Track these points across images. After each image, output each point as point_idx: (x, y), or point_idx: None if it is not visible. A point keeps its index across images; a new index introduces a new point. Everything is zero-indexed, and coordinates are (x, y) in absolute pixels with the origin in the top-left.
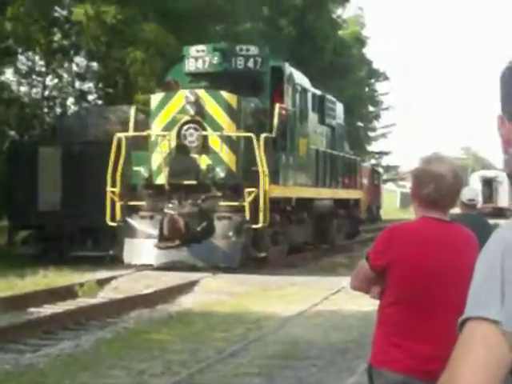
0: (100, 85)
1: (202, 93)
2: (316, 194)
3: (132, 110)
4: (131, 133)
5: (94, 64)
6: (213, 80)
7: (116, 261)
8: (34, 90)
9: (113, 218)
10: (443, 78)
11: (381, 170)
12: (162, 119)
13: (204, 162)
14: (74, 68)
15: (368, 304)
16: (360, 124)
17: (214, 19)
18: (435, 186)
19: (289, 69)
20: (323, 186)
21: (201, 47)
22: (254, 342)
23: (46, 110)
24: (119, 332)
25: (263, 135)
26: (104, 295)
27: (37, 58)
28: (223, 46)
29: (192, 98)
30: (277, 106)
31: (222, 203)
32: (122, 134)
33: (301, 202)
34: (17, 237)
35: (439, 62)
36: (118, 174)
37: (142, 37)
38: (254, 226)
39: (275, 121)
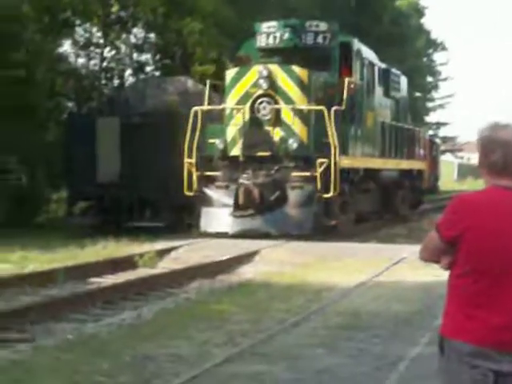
0: (157, 56)
1: (274, 67)
2: (382, 165)
3: (207, 84)
4: (207, 106)
5: (152, 35)
6: (284, 55)
7: (191, 230)
8: (92, 62)
9: (190, 188)
10: (504, 48)
11: (438, 140)
12: (236, 93)
13: (277, 134)
14: (132, 39)
15: (429, 274)
16: (418, 94)
17: None
18: (502, 152)
19: (357, 44)
20: (389, 157)
21: (272, 23)
22: (315, 312)
23: (103, 81)
24: (180, 303)
25: (333, 108)
26: (164, 266)
27: (94, 29)
28: (293, 22)
29: (265, 73)
30: (346, 80)
31: (295, 173)
32: (198, 108)
33: (368, 172)
34: (76, 208)
35: (500, 31)
36: (195, 145)
37: (199, 7)
38: (325, 196)
39: (344, 94)
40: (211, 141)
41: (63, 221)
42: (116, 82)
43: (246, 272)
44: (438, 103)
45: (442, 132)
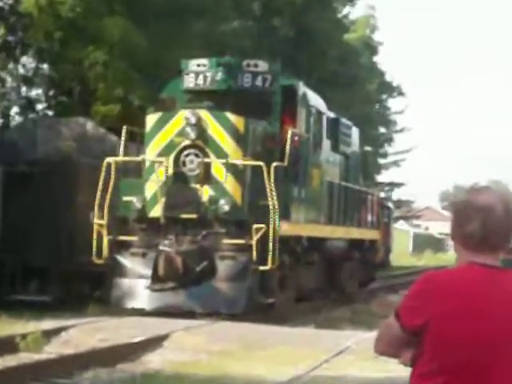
0: (51, 92)
1: (204, 114)
2: (329, 233)
3: (123, 130)
4: (122, 157)
5: (45, 66)
6: (215, 99)
7: (101, 304)
8: None
9: (99, 255)
10: (469, 95)
11: (391, 205)
12: (158, 143)
13: (206, 193)
14: (20, 70)
15: (380, 370)
16: (368, 148)
17: (194, 15)
18: (481, 221)
19: (302, 88)
20: (337, 223)
21: (202, 61)
22: None
23: None
24: None
25: (274, 164)
26: (51, 350)
27: None
28: (228, 60)
29: (193, 120)
30: (289, 131)
31: (226, 241)
32: (111, 159)
33: (312, 241)
34: None
35: (464, 74)
36: (106, 204)
37: (105, 34)
38: (262, 268)
39: (287, 148)
40: (126, 199)
41: None
42: None
43: (153, 360)
44: (392, 160)
45: (396, 194)
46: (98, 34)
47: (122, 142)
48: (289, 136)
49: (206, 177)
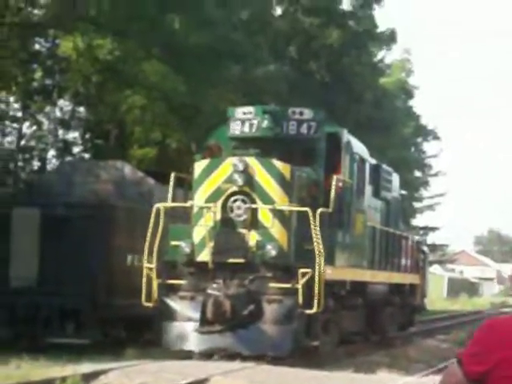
0: (87, 135)
1: (251, 161)
2: (371, 278)
3: (171, 177)
4: (171, 203)
5: (81, 109)
6: (261, 146)
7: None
8: (7, 139)
9: (149, 298)
10: (503, 136)
11: (426, 249)
12: (207, 189)
13: (253, 238)
14: (57, 113)
15: None
16: (404, 192)
17: (230, 59)
18: None
19: (346, 136)
20: (379, 268)
21: (248, 109)
22: None
23: (20, 163)
24: None
25: (319, 210)
26: None
27: (11, 99)
28: (273, 108)
29: (241, 167)
30: (334, 177)
31: (272, 284)
32: (160, 205)
33: (355, 285)
34: None
35: (502, 117)
36: (155, 248)
37: (142, 78)
38: (308, 312)
39: (332, 194)
40: (175, 243)
41: None
42: (36, 164)
43: None
44: (427, 203)
45: (431, 238)
46: (135, 78)
47: (171, 189)
48: (334, 182)
49: (253, 222)
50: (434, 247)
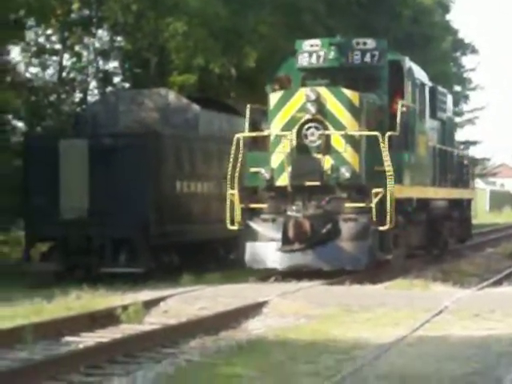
0: (127, 64)
1: (323, 90)
2: (434, 195)
3: (247, 108)
4: (250, 133)
5: (119, 39)
6: (328, 76)
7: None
8: (48, 72)
9: (233, 222)
10: None
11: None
12: (282, 118)
13: (327, 162)
14: (96, 44)
15: (481, 328)
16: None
17: None
18: None
19: (408, 63)
20: (439, 185)
21: (315, 41)
22: (350, 376)
23: (62, 95)
24: (181, 366)
25: (388, 133)
26: (153, 321)
27: (50, 31)
28: (339, 39)
29: (313, 96)
30: (399, 102)
31: (347, 204)
32: (240, 135)
33: (420, 202)
34: (35, 251)
35: None
36: (236, 175)
37: (183, 5)
38: (381, 228)
39: (398, 118)
40: (254, 170)
41: (20, 267)
42: (78, 96)
43: (255, 327)
44: (466, 118)
45: (471, 152)
46: (176, 5)
47: (247, 119)
48: (399, 107)
49: (327, 147)
50: (475, 161)
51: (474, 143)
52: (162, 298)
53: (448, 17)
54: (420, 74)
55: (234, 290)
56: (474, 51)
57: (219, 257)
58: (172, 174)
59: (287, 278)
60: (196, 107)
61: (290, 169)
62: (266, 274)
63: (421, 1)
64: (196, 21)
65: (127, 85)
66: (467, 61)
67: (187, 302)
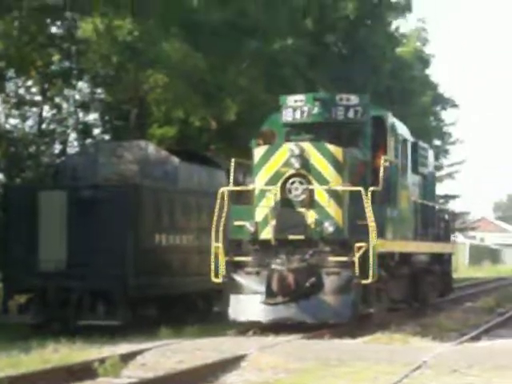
0: (107, 116)
1: (307, 146)
2: (416, 249)
3: (232, 162)
4: (235, 187)
5: (99, 91)
6: (312, 131)
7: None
8: (28, 123)
9: (217, 274)
10: None
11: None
12: (266, 173)
13: (311, 216)
14: (76, 96)
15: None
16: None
17: (248, 34)
18: None
19: (391, 119)
20: (421, 239)
21: (299, 97)
22: None
23: (42, 147)
24: None
25: (371, 189)
26: (130, 374)
27: (30, 83)
28: (322, 95)
29: (297, 151)
30: (382, 158)
31: (331, 258)
32: (225, 188)
33: (402, 256)
34: (13, 302)
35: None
36: (221, 228)
37: (163, 57)
38: (363, 282)
39: (380, 174)
40: (238, 223)
41: None
42: (57, 147)
43: (233, 381)
44: (446, 172)
45: (451, 206)
46: (156, 58)
47: (232, 173)
48: (382, 162)
49: (310, 202)
50: (454, 215)
51: (454, 197)
52: (140, 352)
53: (428, 71)
54: (402, 129)
55: (212, 343)
56: (453, 105)
57: (198, 310)
58: (151, 227)
59: (266, 331)
60: (175, 160)
61: (274, 222)
62: (244, 328)
63: (400, 55)
64: (176, 73)
65: (107, 137)
66: (447, 115)
67: (165, 355)
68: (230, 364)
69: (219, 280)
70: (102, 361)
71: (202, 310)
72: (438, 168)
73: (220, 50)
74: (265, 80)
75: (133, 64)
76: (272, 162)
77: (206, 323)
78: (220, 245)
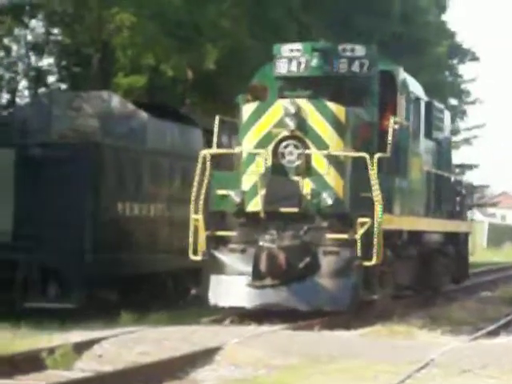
0: (64, 61)
1: (304, 103)
2: (427, 227)
3: (216, 121)
4: (218, 149)
5: (56, 31)
6: (310, 86)
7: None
8: None
9: (196, 251)
10: None
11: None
12: (256, 134)
13: (307, 186)
14: (29, 37)
15: None
16: None
17: None
18: None
19: (402, 74)
20: (433, 216)
21: (296, 46)
22: None
23: None
24: None
25: (377, 155)
26: (84, 366)
27: None
28: (322, 45)
29: (292, 110)
30: (391, 119)
31: (329, 236)
32: (207, 151)
33: (411, 235)
34: None
35: None
36: (202, 198)
37: None
38: (366, 264)
39: (389, 138)
40: (221, 192)
41: None
42: (5, 97)
43: (205, 378)
44: (463, 137)
45: (468, 178)
46: None
47: (215, 133)
48: (391, 124)
49: (307, 169)
50: (472, 188)
51: (471, 167)
52: (97, 340)
53: (444, 17)
54: (415, 86)
55: (182, 332)
56: (473, 58)
57: (169, 293)
58: (113, 194)
59: (246, 320)
60: (144, 115)
61: (263, 192)
62: (221, 316)
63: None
64: (146, 12)
65: (63, 86)
66: (465, 70)
67: (126, 345)
68: (202, 357)
69: (198, 258)
70: (51, 350)
71: (173, 292)
72: (454, 132)
73: None
74: (250, 22)
75: (95, 0)
76: (263, 122)
77: (177, 309)
78: (200, 217)
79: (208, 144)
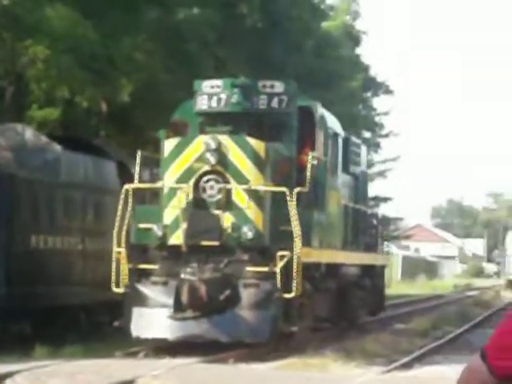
0: None
1: (224, 139)
2: (345, 259)
3: (137, 156)
4: (141, 184)
5: None
6: (230, 122)
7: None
8: None
9: (118, 284)
10: (463, 97)
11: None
12: (177, 169)
13: (228, 219)
14: None
15: None
16: None
17: (148, 2)
18: None
19: (320, 110)
20: (351, 249)
21: (216, 82)
22: None
23: None
24: None
25: (296, 190)
26: None
27: None
28: (243, 81)
29: (213, 145)
30: (309, 154)
31: (249, 268)
32: (129, 186)
33: (330, 268)
34: None
35: (456, 74)
36: (124, 231)
37: (45, 25)
38: (286, 296)
39: (308, 173)
40: (142, 226)
41: None
42: None
43: None
44: (378, 169)
45: (381, 211)
46: (37, 25)
47: (137, 168)
48: (309, 160)
49: (227, 203)
50: (386, 221)
51: (386, 200)
52: (9, 374)
53: (358, 50)
54: (333, 122)
55: (96, 366)
56: (387, 92)
57: (82, 326)
58: (27, 226)
59: (161, 353)
60: (57, 147)
61: (185, 226)
62: (134, 349)
63: (327, 30)
64: (60, 45)
65: None
66: (379, 103)
67: (39, 379)
68: None
69: (121, 290)
70: None
71: (86, 325)
72: (369, 165)
73: (113, 20)
74: (165, 56)
75: (9, 32)
76: (184, 157)
77: (93, 342)
78: (122, 250)
79: (121, 176)
